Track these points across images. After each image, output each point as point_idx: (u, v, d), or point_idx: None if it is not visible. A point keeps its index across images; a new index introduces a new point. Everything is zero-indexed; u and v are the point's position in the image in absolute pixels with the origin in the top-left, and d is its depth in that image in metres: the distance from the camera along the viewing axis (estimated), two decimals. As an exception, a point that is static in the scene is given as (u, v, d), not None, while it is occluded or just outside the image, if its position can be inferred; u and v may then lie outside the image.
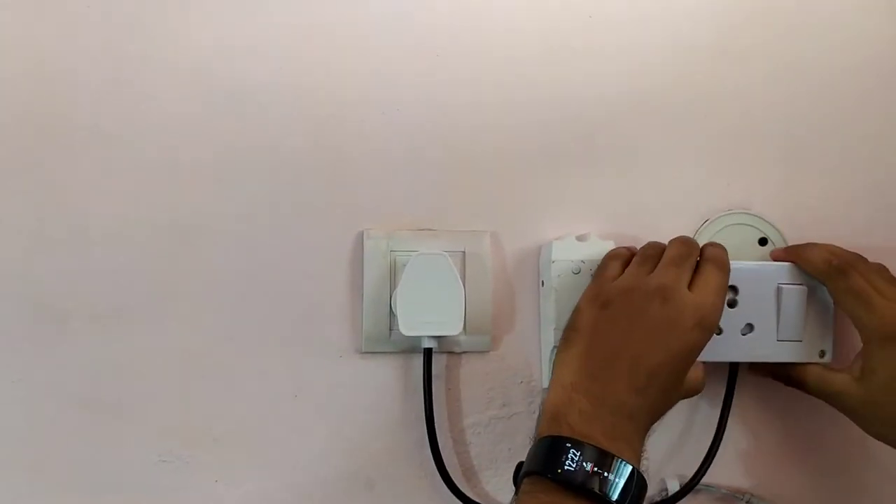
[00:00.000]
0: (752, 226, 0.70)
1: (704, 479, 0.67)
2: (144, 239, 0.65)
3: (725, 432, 0.67)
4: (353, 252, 0.67)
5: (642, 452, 0.55)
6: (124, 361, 0.64)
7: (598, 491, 0.50)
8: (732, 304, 0.64)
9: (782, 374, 0.66)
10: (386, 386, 0.67)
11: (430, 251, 0.65)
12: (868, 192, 0.73)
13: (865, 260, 0.64)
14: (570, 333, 0.58)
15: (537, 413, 0.57)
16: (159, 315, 0.65)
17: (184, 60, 0.66)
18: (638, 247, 0.65)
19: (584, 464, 0.50)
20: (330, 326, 0.67)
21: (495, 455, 0.68)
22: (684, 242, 0.62)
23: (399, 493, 0.66)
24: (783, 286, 0.64)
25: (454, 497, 0.65)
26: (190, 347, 0.65)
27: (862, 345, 0.62)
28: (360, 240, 0.67)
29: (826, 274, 0.63)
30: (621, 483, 0.50)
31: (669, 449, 0.69)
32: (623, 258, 0.63)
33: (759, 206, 0.71)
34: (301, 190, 0.67)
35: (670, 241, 0.62)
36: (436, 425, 0.65)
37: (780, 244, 0.70)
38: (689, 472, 0.67)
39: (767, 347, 0.64)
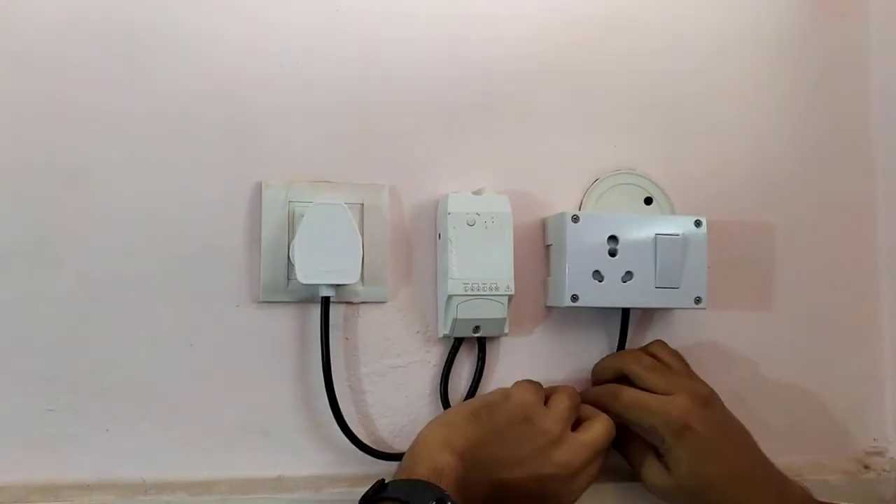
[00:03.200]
0: (638, 185, 0.74)
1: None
2: (30, 183, 0.63)
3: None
4: (250, 202, 0.67)
5: None
6: (8, 308, 0.63)
7: None
8: (613, 253, 0.68)
9: (630, 458, 0.69)
10: (283, 335, 0.67)
11: (328, 201, 0.66)
12: (745, 157, 0.78)
13: (636, 357, 0.68)
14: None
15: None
16: (46, 261, 0.63)
17: (76, 3, 0.64)
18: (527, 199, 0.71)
19: None
20: (227, 275, 0.67)
21: (392, 402, 0.69)
22: (561, 394, 0.66)
23: (295, 441, 0.67)
24: (660, 236, 0.68)
25: (351, 444, 0.66)
26: (78, 294, 0.64)
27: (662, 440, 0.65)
28: (258, 190, 0.67)
29: (602, 405, 0.67)
30: None
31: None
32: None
33: (645, 167, 0.75)
34: (198, 139, 0.67)
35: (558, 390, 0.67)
36: (333, 374, 0.66)
37: (664, 203, 0.74)
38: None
39: (646, 294, 0.68)
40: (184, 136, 0.66)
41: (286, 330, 0.68)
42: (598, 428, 0.65)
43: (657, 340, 0.71)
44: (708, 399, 0.66)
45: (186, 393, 0.65)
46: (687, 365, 0.70)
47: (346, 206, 0.65)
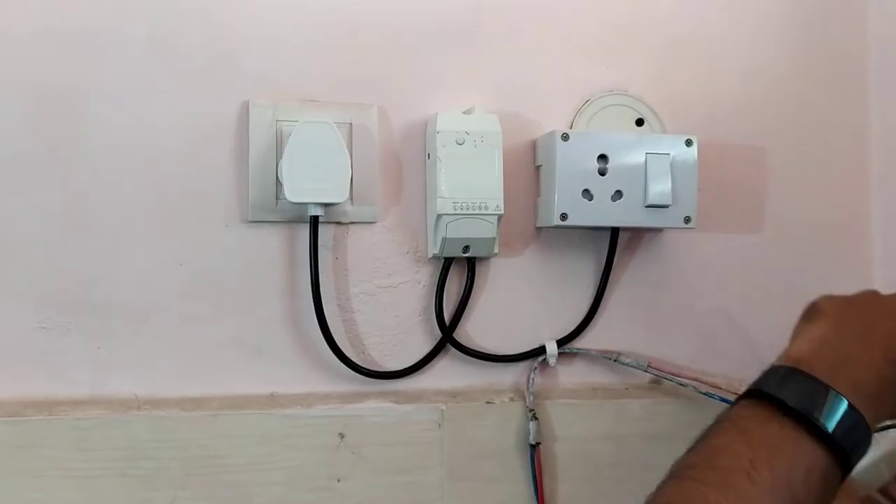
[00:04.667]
0: (629, 107, 0.74)
1: (580, 343, 0.73)
2: (18, 104, 0.63)
3: (603, 296, 0.73)
4: (238, 121, 0.67)
5: (877, 423, 0.52)
6: (-2, 228, 0.63)
7: (819, 423, 0.47)
8: (603, 173, 0.67)
9: None
10: (273, 255, 0.67)
11: (316, 119, 0.65)
12: (738, 79, 0.77)
13: None
14: (812, 314, 0.57)
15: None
16: (36, 181, 0.63)
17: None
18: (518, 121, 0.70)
19: (807, 393, 0.48)
20: (215, 195, 0.66)
21: (382, 322, 0.70)
22: None
23: (286, 360, 0.68)
24: (650, 155, 0.68)
25: (340, 362, 0.67)
26: (68, 213, 0.64)
27: None
28: (245, 109, 0.67)
29: None
30: (837, 419, 0.48)
31: (547, 312, 0.73)
32: None
33: (637, 88, 0.74)
34: (184, 58, 0.66)
35: None
36: (322, 294, 0.66)
37: (656, 124, 0.73)
38: (565, 334, 0.72)
39: (636, 213, 0.68)
40: (170, 56, 0.66)
41: (275, 250, 0.68)
42: None
43: None
44: None
45: (177, 311, 0.66)
46: None
47: (333, 124, 0.65)
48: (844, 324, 0.56)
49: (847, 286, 0.78)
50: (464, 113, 0.68)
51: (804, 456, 0.47)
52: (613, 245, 0.72)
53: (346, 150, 0.65)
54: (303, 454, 0.66)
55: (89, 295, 0.64)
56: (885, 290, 0.77)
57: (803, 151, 0.78)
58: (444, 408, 0.69)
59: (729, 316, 0.76)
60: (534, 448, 0.69)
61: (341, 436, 0.67)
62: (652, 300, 0.75)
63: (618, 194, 0.68)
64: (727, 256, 0.76)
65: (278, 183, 0.66)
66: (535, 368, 0.71)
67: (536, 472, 0.69)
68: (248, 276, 0.67)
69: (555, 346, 0.71)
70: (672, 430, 0.72)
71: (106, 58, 0.64)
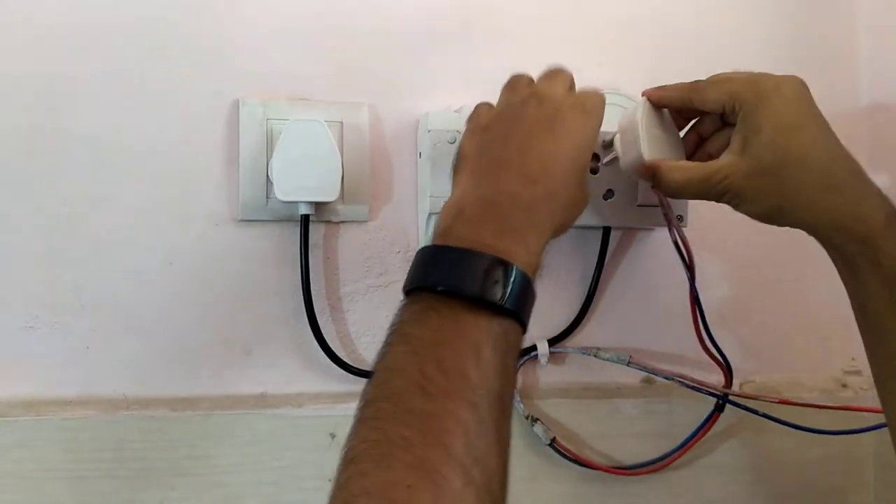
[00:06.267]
0: (620, 105, 0.73)
1: (572, 342, 0.72)
2: (3, 100, 0.62)
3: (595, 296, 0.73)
4: (228, 120, 0.66)
5: (543, 251, 0.50)
6: (-15, 226, 0.62)
7: (470, 292, 0.44)
8: (595, 171, 0.67)
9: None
10: (263, 254, 0.67)
11: (306, 118, 0.65)
12: (729, 77, 0.77)
13: None
14: (457, 162, 0.55)
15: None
16: (24, 179, 0.63)
17: None
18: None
19: (457, 267, 0.45)
20: (205, 194, 0.66)
21: (372, 322, 0.69)
22: (555, 66, 0.59)
23: (276, 359, 0.67)
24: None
25: (331, 362, 0.67)
26: (56, 212, 0.63)
27: (735, 132, 0.57)
28: (235, 108, 0.66)
29: (684, 90, 0.62)
30: (494, 283, 0.45)
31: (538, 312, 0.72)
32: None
33: (628, 87, 0.74)
34: (173, 56, 0.65)
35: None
36: (313, 293, 0.66)
37: (647, 124, 0.73)
38: (556, 334, 0.72)
39: (628, 213, 0.68)
40: (159, 54, 0.65)
41: (265, 249, 0.67)
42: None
43: None
44: (798, 78, 0.58)
45: (167, 311, 0.65)
46: None
47: (323, 122, 0.65)
48: (481, 162, 0.52)
49: (836, 287, 0.79)
50: (455, 112, 0.68)
51: (470, 335, 0.44)
52: (605, 244, 0.71)
53: (337, 149, 0.65)
54: (293, 454, 0.66)
55: (77, 294, 0.64)
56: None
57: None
58: (435, 407, 0.68)
59: (722, 315, 0.76)
60: (553, 445, 0.69)
61: (332, 436, 0.66)
62: (644, 299, 0.75)
63: (609, 193, 0.68)
64: (719, 256, 0.76)
65: (268, 182, 0.66)
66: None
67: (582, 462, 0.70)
68: (237, 275, 0.67)
69: (546, 345, 0.71)
70: (664, 429, 0.72)
71: (92, 56, 0.64)
